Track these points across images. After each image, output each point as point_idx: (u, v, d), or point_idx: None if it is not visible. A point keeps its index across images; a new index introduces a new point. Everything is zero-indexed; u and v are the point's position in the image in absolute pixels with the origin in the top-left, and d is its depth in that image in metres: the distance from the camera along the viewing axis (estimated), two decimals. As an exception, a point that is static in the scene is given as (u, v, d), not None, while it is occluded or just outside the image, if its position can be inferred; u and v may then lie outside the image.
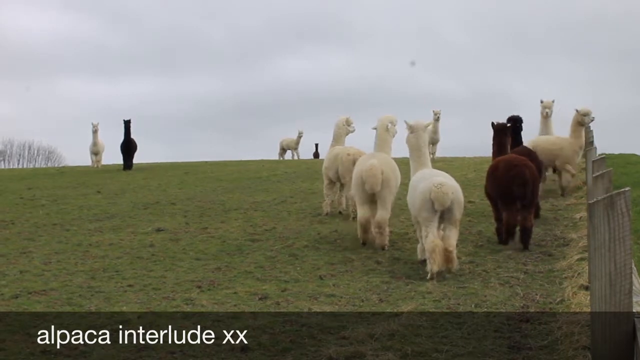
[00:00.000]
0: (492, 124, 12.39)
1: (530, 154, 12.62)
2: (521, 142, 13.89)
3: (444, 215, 9.43)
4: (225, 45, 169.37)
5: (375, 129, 11.83)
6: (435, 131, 25.38)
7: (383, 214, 10.88)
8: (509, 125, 12.49)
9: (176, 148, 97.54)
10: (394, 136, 11.87)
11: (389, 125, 11.70)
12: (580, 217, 12.57)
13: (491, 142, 12.39)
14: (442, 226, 9.47)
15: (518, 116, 14.03)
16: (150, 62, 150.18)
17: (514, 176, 10.67)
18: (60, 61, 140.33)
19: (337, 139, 14.13)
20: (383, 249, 10.88)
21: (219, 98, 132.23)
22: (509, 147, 12.39)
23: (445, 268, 9.17)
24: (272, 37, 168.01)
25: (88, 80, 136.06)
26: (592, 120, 15.64)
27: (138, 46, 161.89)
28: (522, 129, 14.01)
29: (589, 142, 15.42)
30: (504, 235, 10.87)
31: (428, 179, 9.62)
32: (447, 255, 9.17)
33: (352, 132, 14.31)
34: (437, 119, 25.12)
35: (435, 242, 9.15)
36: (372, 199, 11.07)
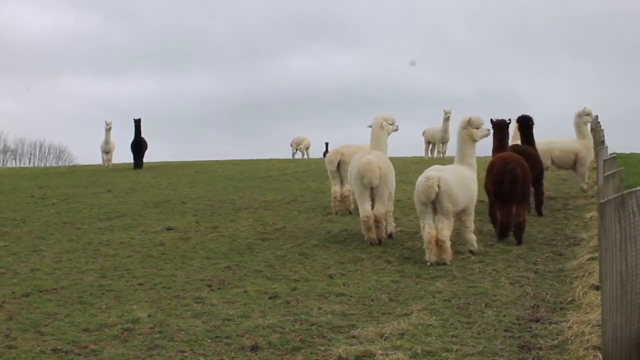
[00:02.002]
0: (491, 120, 12.71)
1: (530, 153, 13.08)
2: (533, 141, 13.95)
3: (436, 207, 9.89)
4: (227, 43, 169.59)
5: (370, 126, 11.91)
6: (445, 130, 25.38)
7: (380, 208, 11.20)
8: (508, 121, 12.78)
9: (180, 146, 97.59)
10: (389, 134, 11.96)
11: (384, 123, 11.80)
12: (591, 217, 12.54)
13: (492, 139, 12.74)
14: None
15: (528, 116, 14.09)
16: (154, 61, 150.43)
17: (506, 172, 11.10)
18: (63, 59, 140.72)
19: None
20: (379, 242, 11.14)
21: (221, 96, 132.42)
22: (508, 143, 12.80)
23: (440, 259, 9.66)
24: (275, 35, 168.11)
25: (91, 79, 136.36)
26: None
27: (141, 44, 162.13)
28: (533, 126, 14.02)
29: (600, 142, 15.35)
30: (499, 234, 11.23)
31: (423, 173, 10.15)
32: (439, 246, 9.68)
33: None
34: (447, 118, 25.11)
35: (430, 233, 9.75)
36: (372, 196, 11.28)
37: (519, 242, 10.93)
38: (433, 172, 10.01)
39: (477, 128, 10.68)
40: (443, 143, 26.03)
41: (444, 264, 9.59)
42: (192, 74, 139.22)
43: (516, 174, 11.02)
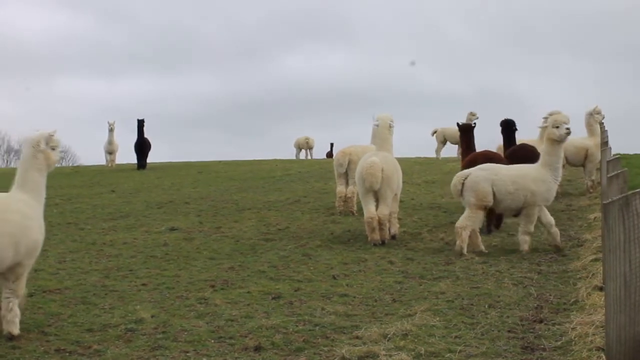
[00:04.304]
0: (458, 124, 14.43)
1: (531, 150, 13.69)
2: (514, 143, 14.70)
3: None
4: (225, 43, 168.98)
5: (377, 126, 11.84)
6: None
7: (383, 209, 11.26)
8: (473, 125, 14.39)
9: (178, 147, 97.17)
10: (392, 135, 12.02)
11: (390, 123, 11.83)
12: (595, 218, 12.53)
13: (460, 141, 14.49)
14: None
15: (511, 120, 14.93)
16: (151, 61, 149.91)
17: None
18: (60, 60, 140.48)
19: None
20: (383, 243, 11.15)
21: (220, 96, 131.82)
22: (474, 144, 14.25)
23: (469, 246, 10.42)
24: (273, 35, 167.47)
25: (88, 79, 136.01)
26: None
27: (138, 44, 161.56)
28: (516, 130, 14.94)
29: (604, 142, 15.36)
30: (495, 223, 12.30)
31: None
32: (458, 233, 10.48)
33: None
34: (471, 120, 25.19)
35: (458, 224, 10.48)
36: (376, 197, 11.31)
37: (497, 227, 12.25)
38: (466, 170, 10.83)
39: (557, 127, 10.50)
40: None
41: (480, 251, 10.32)
42: (189, 74, 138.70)
43: None
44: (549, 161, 10.55)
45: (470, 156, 13.14)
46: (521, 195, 10.38)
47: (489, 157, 12.52)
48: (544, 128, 11.26)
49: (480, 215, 10.52)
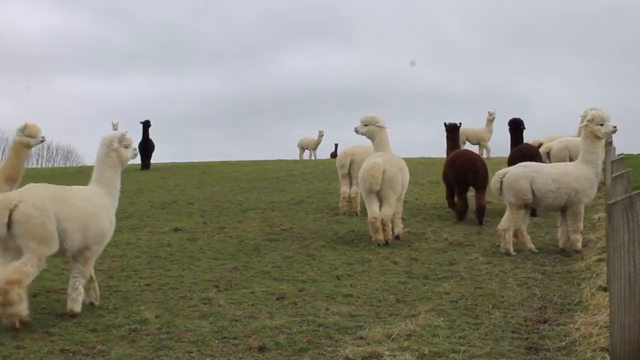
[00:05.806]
0: (445, 124, 14.94)
1: (532, 150, 14.35)
2: (522, 142, 14.99)
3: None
4: (224, 42, 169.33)
5: (384, 127, 11.81)
6: (491, 130, 25.41)
7: (386, 210, 11.28)
8: (459, 125, 15.04)
9: (178, 146, 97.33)
10: None
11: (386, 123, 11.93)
12: (599, 218, 12.52)
13: (445, 139, 14.96)
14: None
15: (519, 119, 15.22)
16: (150, 61, 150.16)
17: (470, 166, 13.10)
18: (59, 59, 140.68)
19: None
20: (386, 243, 11.15)
21: (219, 97, 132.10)
22: (459, 142, 15.41)
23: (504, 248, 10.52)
24: (273, 34, 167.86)
25: (87, 79, 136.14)
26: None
27: (136, 44, 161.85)
28: (524, 129, 15.21)
29: (608, 142, 15.34)
30: (458, 215, 13.36)
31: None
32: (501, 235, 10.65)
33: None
34: (492, 120, 25.13)
35: (501, 225, 10.62)
36: (379, 198, 11.35)
37: (481, 223, 12.87)
38: (506, 169, 10.92)
39: (602, 125, 10.48)
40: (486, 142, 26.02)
41: (529, 249, 10.42)
42: (189, 74, 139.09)
43: (477, 166, 13.04)
44: (590, 158, 10.57)
45: (452, 154, 13.91)
46: (564, 193, 10.38)
47: (468, 156, 13.61)
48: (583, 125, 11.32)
49: (521, 214, 10.56)
